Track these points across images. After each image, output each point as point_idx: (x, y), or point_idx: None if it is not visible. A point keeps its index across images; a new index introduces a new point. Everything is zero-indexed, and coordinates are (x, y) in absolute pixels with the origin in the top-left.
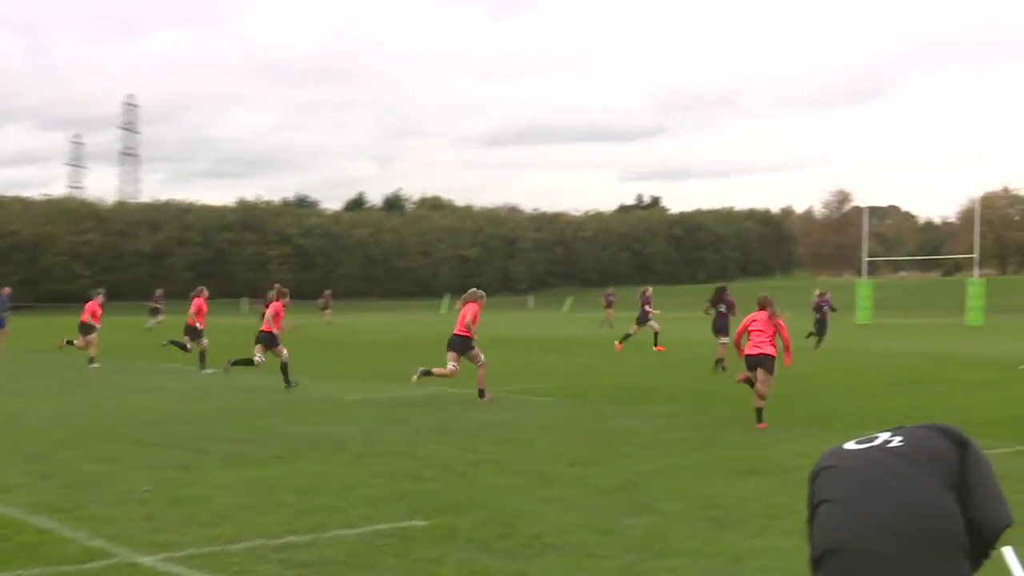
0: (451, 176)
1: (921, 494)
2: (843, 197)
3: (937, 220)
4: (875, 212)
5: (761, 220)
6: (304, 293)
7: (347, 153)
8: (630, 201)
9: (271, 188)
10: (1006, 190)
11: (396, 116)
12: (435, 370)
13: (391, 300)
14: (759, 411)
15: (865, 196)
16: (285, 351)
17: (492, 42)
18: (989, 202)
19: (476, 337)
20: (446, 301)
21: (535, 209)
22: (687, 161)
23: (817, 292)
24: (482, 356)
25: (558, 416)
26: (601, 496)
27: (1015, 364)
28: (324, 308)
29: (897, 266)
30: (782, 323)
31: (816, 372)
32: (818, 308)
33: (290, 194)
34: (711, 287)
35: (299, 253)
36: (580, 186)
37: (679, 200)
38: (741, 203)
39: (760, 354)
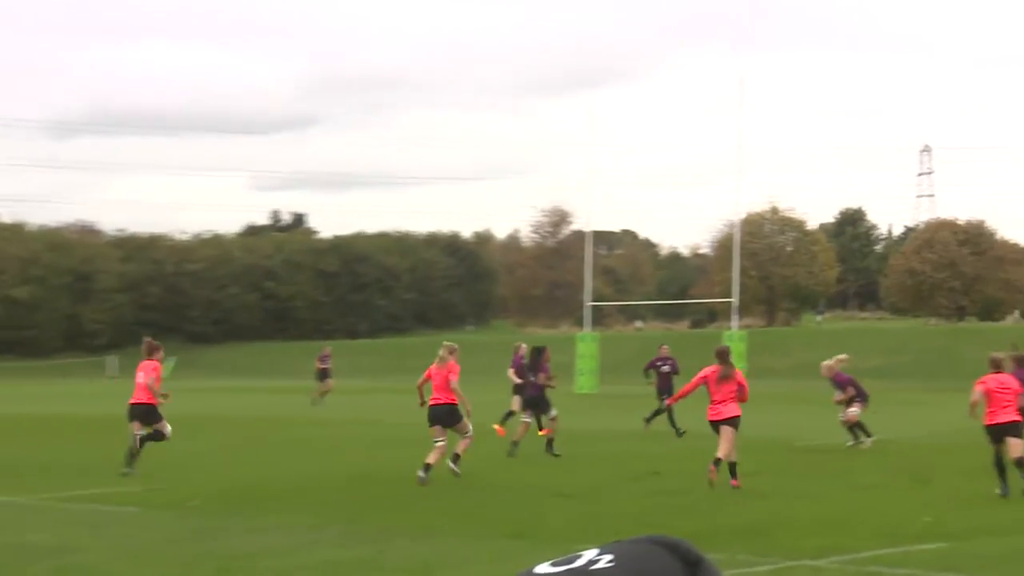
0: None
1: None
2: (560, 218)
3: (685, 251)
4: (603, 239)
5: (448, 248)
6: None
7: None
8: (263, 219)
9: None
10: (775, 211)
11: None
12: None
13: None
14: (733, 465)
15: (589, 218)
16: (168, 427)
17: None
18: (753, 227)
19: (466, 401)
20: None
21: (121, 230)
22: (346, 164)
23: (519, 346)
24: (471, 426)
25: (147, 534)
26: None
27: (787, 446)
28: None
29: (633, 313)
30: (740, 375)
31: (518, 464)
32: (519, 371)
33: None
34: (381, 344)
35: None
36: (190, 197)
37: (334, 219)
38: (421, 224)
39: (725, 418)
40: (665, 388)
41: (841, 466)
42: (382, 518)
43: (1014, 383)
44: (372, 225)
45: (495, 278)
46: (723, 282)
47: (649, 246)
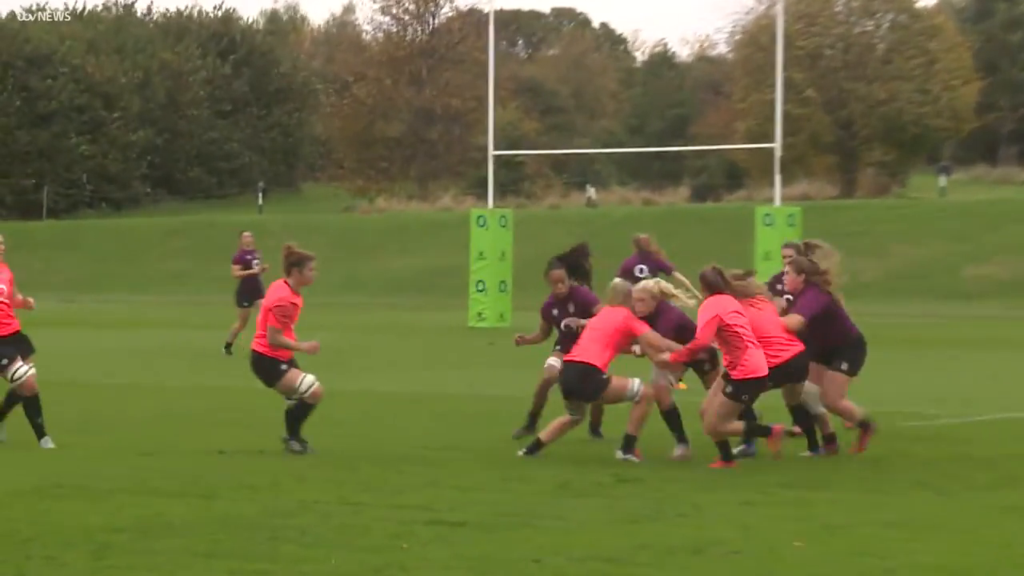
0: None
1: None
2: None
3: (683, 53)
4: (519, 27)
5: (211, 43)
6: None
7: None
8: None
9: None
10: None
11: None
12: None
13: None
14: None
15: None
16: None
17: None
18: (813, 5)
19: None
20: None
21: None
22: None
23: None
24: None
25: None
26: None
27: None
28: None
29: (579, 173)
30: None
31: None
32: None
33: None
34: (80, 228)
35: None
36: None
37: None
38: None
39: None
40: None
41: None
42: None
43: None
44: None
45: (307, 103)
46: (754, 112)
47: (611, 42)
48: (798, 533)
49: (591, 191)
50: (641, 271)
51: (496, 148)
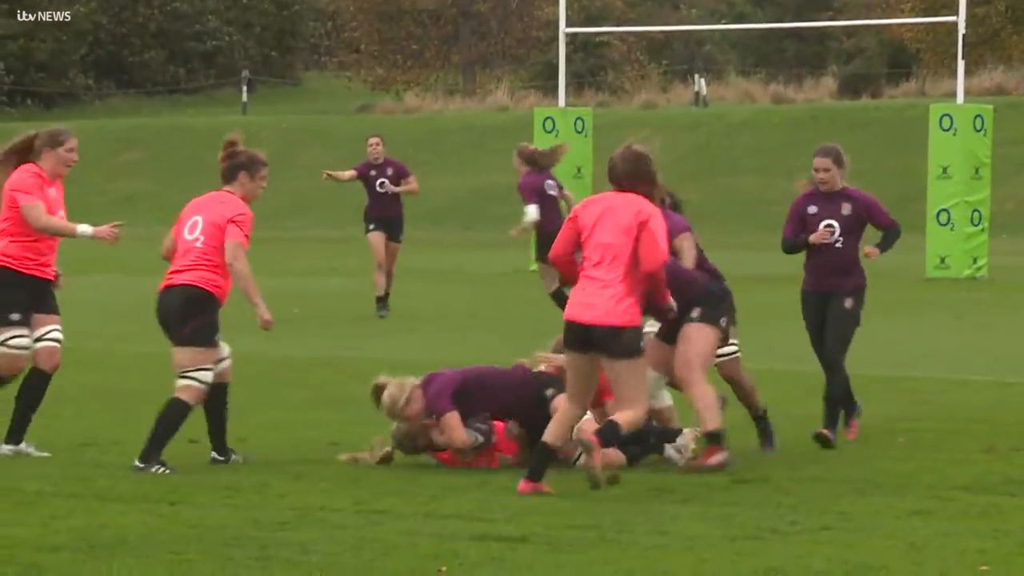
0: None
1: None
2: None
3: None
4: None
5: None
6: None
7: None
8: None
9: None
10: None
11: None
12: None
13: None
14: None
15: None
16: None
17: None
18: None
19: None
20: None
21: None
22: None
23: None
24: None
25: None
26: None
27: None
28: None
29: (680, 58)
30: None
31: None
32: None
33: None
34: None
35: None
36: None
37: None
38: None
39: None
40: None
41: None
42: None
43: None
44: None
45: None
46: None
47: None
48: (986, 555)
49: (700, 84)
50: (551, 187)
51: (569, 24)
